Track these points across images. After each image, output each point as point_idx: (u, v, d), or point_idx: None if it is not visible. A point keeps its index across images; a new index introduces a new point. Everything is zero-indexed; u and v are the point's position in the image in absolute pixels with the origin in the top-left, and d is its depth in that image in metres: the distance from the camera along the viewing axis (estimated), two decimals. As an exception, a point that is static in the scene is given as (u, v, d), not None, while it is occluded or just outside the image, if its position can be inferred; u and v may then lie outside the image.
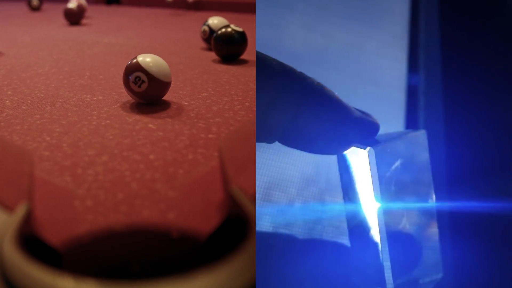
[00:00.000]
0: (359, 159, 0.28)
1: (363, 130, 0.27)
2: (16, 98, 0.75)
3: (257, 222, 0.60)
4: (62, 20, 1.75)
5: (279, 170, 0.66)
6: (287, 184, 0.66)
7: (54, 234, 0.36)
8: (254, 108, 0.71)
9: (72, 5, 1.73)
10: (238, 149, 0.41)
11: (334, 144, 0.27)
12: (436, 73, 0.95)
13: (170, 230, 0.38)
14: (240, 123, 0.64)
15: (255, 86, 0.83)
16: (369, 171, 0.27)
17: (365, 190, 0.29)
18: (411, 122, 0.90)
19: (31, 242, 0.33)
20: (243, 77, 0.90)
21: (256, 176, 0.58)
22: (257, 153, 0.59)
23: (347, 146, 0.28)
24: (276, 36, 0.92)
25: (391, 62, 1.00)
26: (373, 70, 0.97)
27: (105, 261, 0.36)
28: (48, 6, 2.39)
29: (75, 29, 1.61)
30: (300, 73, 0.26)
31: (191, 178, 0.47)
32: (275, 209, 0.64)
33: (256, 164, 0.58)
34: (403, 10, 1.14)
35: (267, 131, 0.26)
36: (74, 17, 1.72)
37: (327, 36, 0.98)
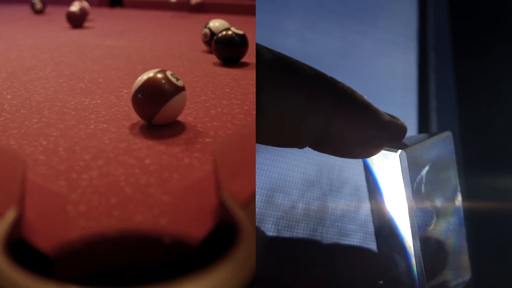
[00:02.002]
0: (389, 162, 0.28)
1: (393, 133, 0.27)
2: (15, 102, 0.75)
3: (264, 224, 0.60)
4: (65, 23, 1.75)
5: (282, 173, 0.66)
6: (290, 186, 0.65)
7: (45, 239, 0.36)
8: (253, 112, 0.70)
9: (74, 8, 1.74)
10: (231, 154, 0.41)
11: (366, 148, 0.27)
12: (447, 74, 0.95)
13: (162, 236, 0.38)
14: (237, 127, 0.63)
15: (254, 89, 0.83)
16: (400, 174, 0.27)
17: (394, 193, 0.28)
18: (424, 124, 0.90)
19: (21, 248, 0.33)
20: (243, 80, 0.90)
21: (259, 178, 0.58)
22: (259, 155, 0.59)
23: (379, 149, 0.28)
24: (276, 36, 0.91)
25: (401, 64, 1.00)
26: (383, 72, 0.96)
27: (97, 266, 0.36)
28: (51, 9, 2.40)
29: (77, 32, 1.62)
30: (331, 77, 0.26)
31: (185, 183, 0.46)
32: (279, 211, 0.64)
33: (259, 167, 0.58)
34: (412, 11, 1.13)
35: (300, 136, 0.26)
36: (77, 20, 1.73)
37: (337, 38, 0.97)
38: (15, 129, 0.62)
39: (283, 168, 0.66)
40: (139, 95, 0.61)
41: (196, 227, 0.38)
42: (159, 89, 0.60)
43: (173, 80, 0.61)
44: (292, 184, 0.65)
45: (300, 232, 0.63)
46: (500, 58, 0.93)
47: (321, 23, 1.02)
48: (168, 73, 0.62)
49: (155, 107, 0.60)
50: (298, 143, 0.26)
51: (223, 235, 0.34)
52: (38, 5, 2.28)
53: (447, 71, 0.96)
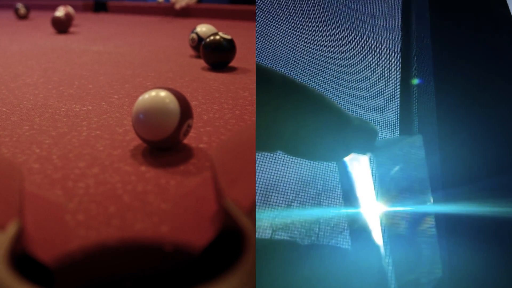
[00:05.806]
0: (360, 165, 0.29)
1: (363, 137, 0.28)
2: (4, 109, 0.74)
3: (259, 224, 0.60)
4: (50, 29, 1.73)
5: (277, 174, 0.66)
6: (285, 187, 0.66)
7: (45, 251, 0.36)
8: (245, 117, 0.70)
9: (59, 13, 1.72)
10: (230, 161, 0.41)
11: (336, 152, 0.28)
12: (428, 79, 0.96)
13: (163, 244, 0.38)
14: (231, 132, 0.63)
15: (245, 94, 0.83)
16: (370, 177, 0.28)
17: (366, 195, 0.29)
18: (405, 128, 0.91)
19: (23, 261, 0.32)
20: (233, 84, 0.90)
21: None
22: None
23: (348, 153, 0.28)
24: (260, 43, 0.92)
25: (385, 70, 1.01)
26: (366, 78, 0.97)
27: (98, 277, 0.35)
28: (35, 15, 2.37)
29: (63, 38, 1.60)
30: (301, 83, 0.26)
31: (183, 190, 0.46)
32: (274, 211, 0.64)
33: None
34: (395, 19, 1.15)
35: (269, 141, 0.26)
36: (62, 26, 1.71)
37: (323, 45, 0.98)
38: (6, 137, 0.61)
39: (278, 169, 0.67)
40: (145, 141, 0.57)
41: (197, 234, 0.38)
42: (165, 147, 0.57)
43: (182, 138, 0.56)
44: (287, 184, 0.66)
45: (295, 231, 0.64)
46: (478, 65, 0.94)
47: (305, 30, 1.02)
48: (184, 127, 0.55)
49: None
50: (269, 148, 0.27)
51: (226, 243, 0.34)
52: (22, 10, 2.26)
53: (429, 76, 0.97)
